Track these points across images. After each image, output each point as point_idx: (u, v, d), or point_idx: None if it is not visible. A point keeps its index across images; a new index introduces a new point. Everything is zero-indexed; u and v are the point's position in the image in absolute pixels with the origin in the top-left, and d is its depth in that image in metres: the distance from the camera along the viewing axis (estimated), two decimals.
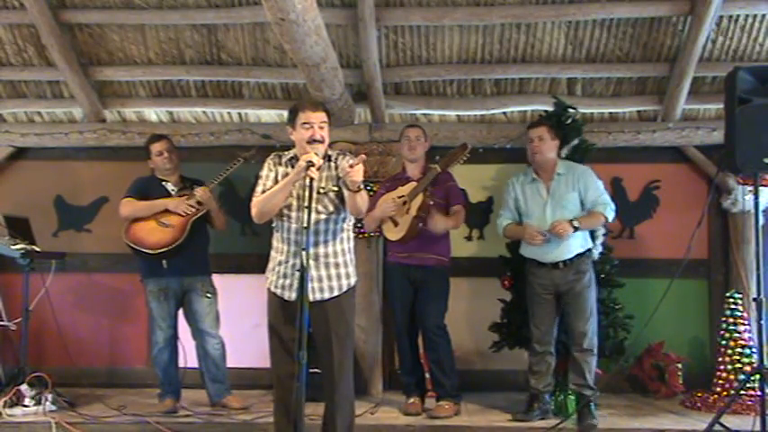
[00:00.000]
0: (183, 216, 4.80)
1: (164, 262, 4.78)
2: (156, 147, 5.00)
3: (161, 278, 4.82)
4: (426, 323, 4.79)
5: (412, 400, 4.88)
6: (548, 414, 4.67)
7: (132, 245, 4.80)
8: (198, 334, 4.94)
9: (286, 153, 3.73)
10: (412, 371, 4.94)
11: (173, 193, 4.95)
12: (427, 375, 5.01)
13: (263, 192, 3.63)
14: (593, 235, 4.93)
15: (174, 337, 4.90)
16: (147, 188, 4.96)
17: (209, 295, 4.93)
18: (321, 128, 3.59)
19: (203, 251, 4.97)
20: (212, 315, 4.95)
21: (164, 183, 5.00)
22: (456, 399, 4.82)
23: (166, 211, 4.83)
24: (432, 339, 4.79)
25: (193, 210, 4.82)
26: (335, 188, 3.59)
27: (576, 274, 4.58)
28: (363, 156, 3.48)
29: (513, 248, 5.10)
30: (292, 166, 3.61)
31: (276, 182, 3.63)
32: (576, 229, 4.51)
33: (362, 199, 3.49)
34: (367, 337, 5.57)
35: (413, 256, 4.78)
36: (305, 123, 3.58)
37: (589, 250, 4.70)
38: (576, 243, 4.60)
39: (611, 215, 4.63)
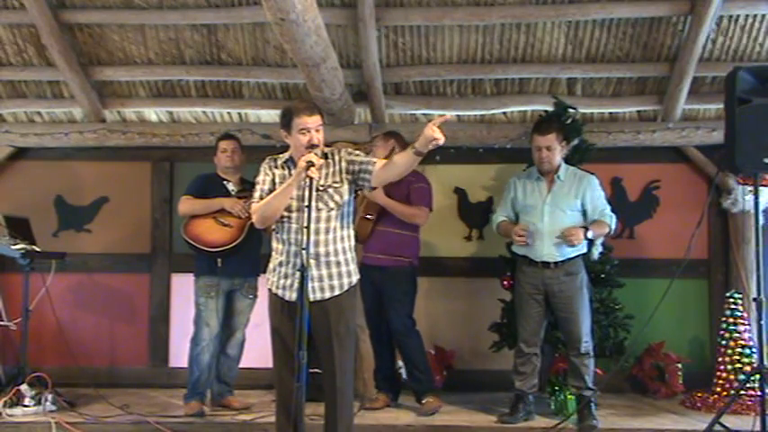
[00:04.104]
0: (240, 217, 4.80)
1: (218, 260, 4.78)
2: (222, 144, 5.03)
3: (214, 276, 4.80)
4: (391, 325, 4.88)
5: (376, 395, 5.02)
6: (531, 415, 4.67)
7: (191, 241, 4.80)
8: (226, 330, 4.93)
9: (281, 156, 3.72)
10: (380, 368, 5.08)
11: (233, 192, 4.94)
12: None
13: (261, 197, 3.62)
14: None
15: (218, 338, 4.86)
16: (207, 186, 4.95)
17: (251, 297, 4.95)
18: (317, 131, 3.59)
19: (256, 253, 4.93)
20: (245, 316, 4.98)
21: (225, 182, 4.99)
22: (435, 392, 4.90)
23: (224, 211, 4.83)
24: (399, 340, 4.90)
25: (248, 214, 4.76)
26: (336, 183, 3.59)
27: (568, 275, 4.56)
28: (448, 117, 3.46)
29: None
30: (289, 169, 3.62)
31: (274, 185, 3.62)
32: (587, 237, 4.50)
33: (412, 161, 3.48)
34: (364, 337, 5.56)
35: (371, 256, 4.83)
36: (302, 129, 3.57)
37: (583, 254, 4.68)
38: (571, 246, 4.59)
39: (614, 226, 4.63)
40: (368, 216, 4.82)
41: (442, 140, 3.29)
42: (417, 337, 4.92)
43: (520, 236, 4.53)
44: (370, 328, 5.06)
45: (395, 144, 4.92)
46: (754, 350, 4.96)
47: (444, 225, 5.91)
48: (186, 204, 4.89)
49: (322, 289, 3.55)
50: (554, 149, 4.61)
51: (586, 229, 4.52)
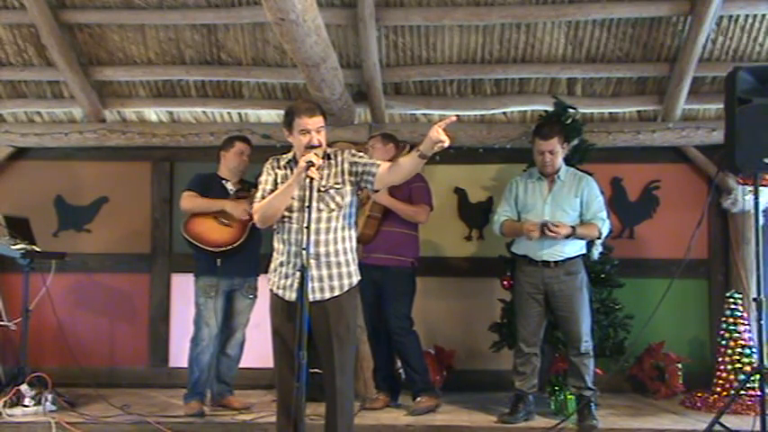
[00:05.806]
0: (241, 219, 4.77)
1: (218, 260, 4.76)
2: (240, 146, 5.00)
3: (213, 276, 4.79)
4: (388, 324, 4.89)
5: (376, 395, 5.04)
6: (532, 415, 4.67)
7: (192, 240, 4.78)
8: (226, 330, 4.93)
9: (284, 156, 3.72)
10: (379, 368, 5.09)
11: (231, 192, 4.92)
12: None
13: (263, 197, 3.62)
14: None
15: (218, 338, 4.85)
16: (208, 185, 4.93)
17: (250, 297, 4.94)
18: (318, 132, 3.59)
19: (256, 253, 4.92)
20: (245, 316, 4.98)
21: (224, 182, 4.97)
22: (431, 392, 4.89)
23: (224, 211, 4.81)
24: (396, 340, 4.91)
25: (248, 216, 4.72)
26: (337, 185, 3.59)
27: (568, 275, 4.57)
28: (453, 118, 3.38)
29: None
30: (291, 169, 3.61)
31: (276, 185, 3.62)
32: (571, 235, 4.50)
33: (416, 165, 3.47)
34: (364, 338, 5.55)
35: (372, 256, 4.83)
36: (302, 130, 3.57)
37: (583, 255, 4.68)
38: (571, 246, 4.58)
39: (605, 232, 4.63)
40: (374, 215, 4.82)
41: (447, 143, 3.28)
42: (415, 337, 4.93)
43: (531, 231, 4.52)
44: (369, 328, 5.07)
45: (394, 149, 4.93)
46: (754, 350, 4.96)
47: (444, 225, 5.92)
48: (189, 201, 4.87)
49: (322, 289, 3.55)
50: (556, 153, 4.63)
51: (574, 229, 4.52)
